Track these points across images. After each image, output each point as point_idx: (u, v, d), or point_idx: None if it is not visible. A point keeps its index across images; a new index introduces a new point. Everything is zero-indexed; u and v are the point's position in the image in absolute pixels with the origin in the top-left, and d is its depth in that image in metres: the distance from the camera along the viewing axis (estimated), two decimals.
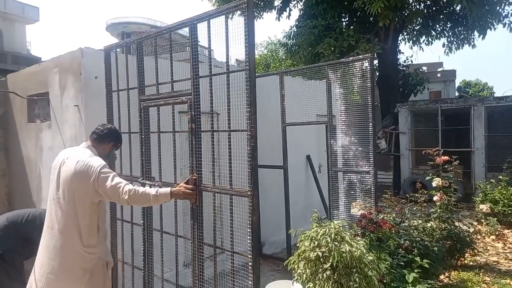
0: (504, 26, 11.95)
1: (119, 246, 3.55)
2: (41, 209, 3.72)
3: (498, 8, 11.65)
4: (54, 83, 4.44)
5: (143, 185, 3.16)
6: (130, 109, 3.44)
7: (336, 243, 2.95)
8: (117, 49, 3.67)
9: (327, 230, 3.04)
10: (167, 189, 2.56)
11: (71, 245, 2.53)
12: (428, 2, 12.81)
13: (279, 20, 14.23)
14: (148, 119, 3.18)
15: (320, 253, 2.95)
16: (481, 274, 4.84)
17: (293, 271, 3.15)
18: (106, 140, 2.82)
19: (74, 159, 2.56)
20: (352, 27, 12.42)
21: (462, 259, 5.12)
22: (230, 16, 2.54)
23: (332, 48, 11.39)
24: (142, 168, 3.21)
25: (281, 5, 14.25)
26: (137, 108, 3.21)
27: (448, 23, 13.47)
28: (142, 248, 3.27)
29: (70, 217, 2.53)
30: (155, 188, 2.61)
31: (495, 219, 6.87)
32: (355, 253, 2.91)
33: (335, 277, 2.89)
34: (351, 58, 5.09)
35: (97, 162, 2.55)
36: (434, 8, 13.08)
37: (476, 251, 5.11)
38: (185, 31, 2.85)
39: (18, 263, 3.45)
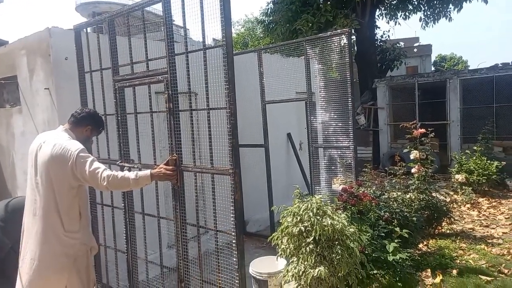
0: None
1: (101, 231, 3.50)
2: (8, 200, 3.58)
3: None
4: (22, 65, 4.25)
5: (122, 168, 3.10)
6: (104, 91, 3.33)
7: (318, 217, 2.99)
8: (88, 28, 3.52)
9: (309, 205, 3.07)
10: (147, 172, 2.52)
11: (53, 231, 2.48)
12: None
13: None
14: (123, 100, 3.09)
15: (302, 228, 2.99)
16: (457, 241, 5.03)
17: (277, 247, 3.18)
18: (83, 123, 2.71)
19: (51, 143, 2.47)
20: (329, 2, 12.32)
21: (440, 228, 5.31)
22: None
23: (310, 24, 11.32)
24: (120, 151, 3.14)
25: None
26: (111, 89, 3.11)
27: None
28: (124, 231, 3.24)
29: (49, 202, 2.47)
30: (135, 171, 2.56)
31: (470, 188, 7.12)
32: (337, 226, 2.95)
33: (318, 250, 2.94)
34: (329, 33, 5.04)
35: (75, 145, 2.46)
36: None
37: (452, 220, 5.29)
38: (160, 10, 2.74)
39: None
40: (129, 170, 3.00)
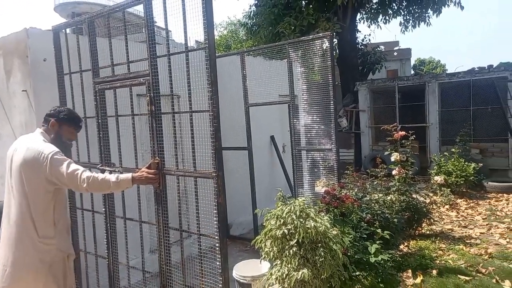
0: (454, 4, 12.44)
1: (81, 236, 3.42)
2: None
3: None
4: None
5: (103, 171, 3.04)
6: (84, 93, 3.27)
7: (301, 220, 3.00)
8: (67, 29, 3.45)
9: (292, 208, 3.08)
10: (128, 175, 2.47)
11: (27, 236, 2.41)
12: None
13: None
14: (104, 102, 3.03)
15: (286, 231, 2.99)
16: (437, 241, 5.13)
17: (261, 250, 3.18)
18: (49, 120, 2.61)
19: (24, 147, 2.41)
20: (311, 6, 12.45)
21: (420, 229, 5.40)
22: None
23: (293, 27, 11.42)
24: (101, 154, 3.08)
25: None
26: (91, 91, 3.05)
27: (404, 1, 13.81)
28: (105, 237, 3.18)
29: (23, 207, 2.40)
30: (116, 174, 2.51)
31: (449, 189, 7.28)
32: (320, 229, 2.97)
33: (301, 253, 2.95)
34: (312, 36, 5.09)
35: (48, 148, 2.39)
36: None
37: (432, 221, 5.40)
38: (141, 11, 2.71)
39: None
40: (110, 173, 2.95)
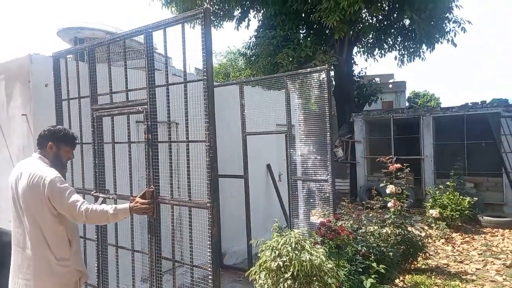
0: (448, 42, 12.81)
1: None
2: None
3: (443, 24, 12.48)
4: None
5: (97, 198, 3.02)
6: (82, 119, 3.29)
7: (297, 252, 2.97)
8: (68, 56, 3.51)
9: (288, 240, 3.05)
10: (125, 206, 2.47)
11: (45, 261, 2.39)
12: (380, 17, 13.45)
13: (238, 29, 14.38)
14: (101, 129, 3.05)
15: (281, 263, 2.95)
16: (433, 276, 5.06)
17: (255, 282, 3.12)
18: (45, 143, 2.56)
19: (27, 173, 2.40)
20: (309, 38, 12.78)
21: (415, 263, 5.34)
22: (191, 24, 2.51)
23: (291, 58, 11.66)
24: (96, 181, 3.07)
25: (240, 15, 14.40)
26: (89, 117, 3.07)
27: (399, 37, 14.22)
28: (96, 265, 3.12)
29: (36, 233, 2.38)
30: (113, 205, 2.50)
31: (444, 223, 7.23)
32: (315, 262, 2.93)
33: (296, 286, 2.90)
34: (309, 69, 5.20)
35: (50, 175, 2.37)
36: (386, 23, 13.77)
37: (427, 255, 5.35)
38: (142, 38, 2.78)
39: None
40: (104, 200, 2.92)
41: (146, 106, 2.57)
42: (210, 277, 2.42)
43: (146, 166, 2.63)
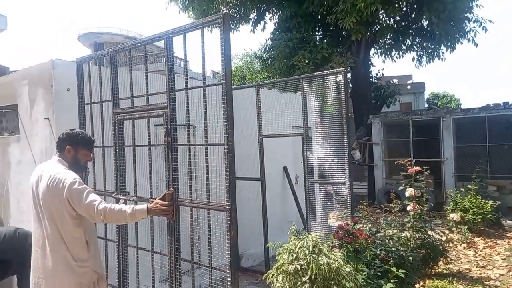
0: (468, 41, 12.54)
1: None
2: (16, 227, 3.55)
3: (462, 24, 12.23)
4: (23, 95, 4.30)
5: (118, 200, 3.08)
6: (104, 122, 3.37)
7: (314, 256, 2.95)
8: (90, 61, 3.60)
9: (305, 243, 3.04)
10: (143, 206, 2.51)
11: (64, 262, 2.45)
12: (398, 18, 13.28)
13: (254, 32, 14.42)
14: (122, 132, 3.11)
15: (298, 266, 2.94)
16: (454, 282, 4.95)
17: (272, 285, 3.12)
18: (63, 146, 2.62)
19: (47, 175, 2.47)
20: (325, 40, 12.71)
21: (436, 268, 5.23)
22: (209, 28, 2.55)
23: (307, 61, 11.61)
24: (117, 183, 3.13)
25: (256, 17, 14.44)
26: (110, 121, 3.14)
27: (417, 37, 13.97)
28: (117, 265, 3.18)
29: (55, 234, 2.45)
30: (131, 205, 2.54)
31: (466, 227, 7.08)
32: (333, 265, 2.92)
33: None
34: (326, 72, 5.19)
35: (69, 177, 2.44)
36: (403, 23, 13.56)
37: (448, 260, 5.24)
38: (161, 42, 2.83)
39: None
40: (125, 202, 2.98)
41: (166, 110, 2.62)
42: (228, 279, 2.43)
43: (166, 169, 2.67)
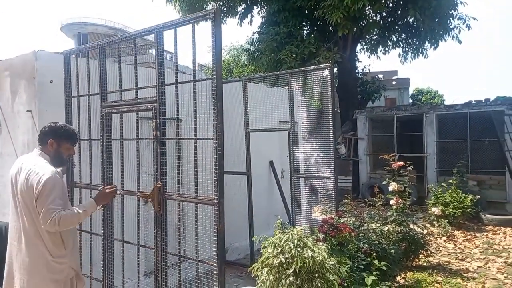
0: (452, 38, 12.75)
1: None
2: (3, 222, 3.50)
3: (447, 21, 12.43)
4: (4, 87, 4.21)
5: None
6: (90, 116, 3.33)
7: (299, 249, 3.00)
8: (78, 53, 3.55)
9: (290, 236, 3.08)
10: (90, 200, 2.61)
11: (41, 257, 2.43)
12: (384, 14, 13.40)
13: (241, 25, 14.35)
14: (110, 126, 3.09)
15: (283, 259, 2.99)
16: (434, 274, 5.10)
17: (257, 278, 3.16)
18: (45, 140, 2.59)
19: (26, 169, 2.44)
20: (313, 35, 12.75)
21: (417, 260, 5.38)
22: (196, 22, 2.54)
23: (294, 55, 11.63)
24: (103, 176, 3.11)
25: (243, 10, 14.36)
26: (98, 114, 3.11)
27: (403, 34, 14.15)
28: (102, 259, 3.17)
29: (31, 228, 2.42)
30: (79, 204, 2.61)
31: (446, 221, 7.27)
32: (317, 258, 2.97)
33: (298, 283, 2.93)
34: (312, 67, 5.22)
35: (46, 174, 2.37)
36: (389, 20, 13.70)
37: (429, 252, 5.38)
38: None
39: None
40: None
41: (155, 104, 2.61)
42: (215, 272, 2.46)
43: (154, 163, 2.67)
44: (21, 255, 2.44)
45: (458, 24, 12.55)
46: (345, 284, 3.36)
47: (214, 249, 2.44)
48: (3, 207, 4.18)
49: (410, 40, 14.05)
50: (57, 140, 2.61)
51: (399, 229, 5.01)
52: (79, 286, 2.67)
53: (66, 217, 2.35)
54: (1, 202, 4.29)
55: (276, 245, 3.10)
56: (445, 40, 12.87)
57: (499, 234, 7.40)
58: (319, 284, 2.90)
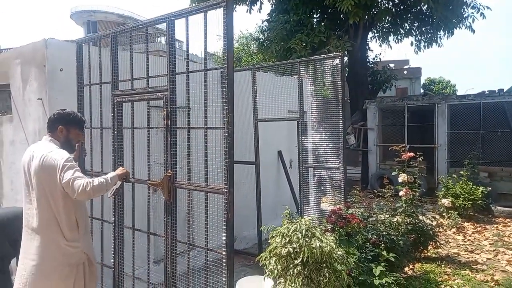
0: (465, 27, 12.49)
1: None
2: (20, 207, 3.55)
3: (461, 9, 12.16)
4: (15, 74, 4.24)
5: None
6: (102, 104, 3.35)
7: (307, 239, 3.01)
8: (90, 42, 3.55)
9: (298, 226, 3.09)
10: (113, 173, 2.68)
11: (54, 242, 2.47)
12: (396, 1, 13.15)
13: (250, 12, 14.16)
14: (121, 114, 3.10)
15: (291, 249, 3.00)
16: (442, 265, 5.08)
17: (265, 267, 3.18)
18: (54, 126, 2.64)
19: (39, 154, 2.46)
20: (323, 23, 12.58)
21: (426, 252, 5.36)
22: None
23: (304, 44, 11.51)
24: (114, 164, 3.14)
25: None
26: (109, 103, 3.12)
27: (416, 22, 13.87)
28: (113, 246, 3.22)
29: (46, 213, 2.46)
30: (104, 176, 2.61)
31: (456, 212, 7.21)
32: (325, 249, 2.97)
33: (305, 272, 2.95)
34: (323, 56, 5.16)
35: (61, 155, 2.44)
36: (402, 7, 13.44)
37: (438, 244, 5.36)
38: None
39: (7, 267, 3.23)
40: (122, 184, 3.00)
41: (166, 93, 2.61)
42: (224, 260, 2.48)
43: (164, 152, 2.68)
44: (34, 240, 2.48)
45: (472, 13, 12.28)
46: (353, 274, 3.37)
47: (224, 238, 2.45)
48: (16, 194, 4.26)
49: (423, 29, 13.77)
50: (66, 126, 2.66)
51: (408, 221, 4.99)
52: (91, 270, 2.72)
53: (94, 183, 2.41)
54: (14, 189, 4.36)
55: (284, 235, 3.11)
56: (460, 28, 12.61)
57: (509, 226, 7.33)
58: (327, 274, 2.91)
